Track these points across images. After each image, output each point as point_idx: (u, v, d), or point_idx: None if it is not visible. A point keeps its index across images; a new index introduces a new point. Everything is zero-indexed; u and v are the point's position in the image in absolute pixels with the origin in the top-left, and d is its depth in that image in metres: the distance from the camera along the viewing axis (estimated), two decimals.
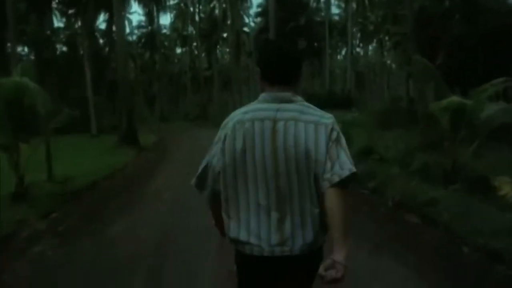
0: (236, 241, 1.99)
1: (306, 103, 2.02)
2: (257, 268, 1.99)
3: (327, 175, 1.86)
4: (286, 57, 2.03)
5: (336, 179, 1.85)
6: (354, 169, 1.89)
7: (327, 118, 1.97)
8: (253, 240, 1.92)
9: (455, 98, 7.00)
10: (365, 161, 9.78)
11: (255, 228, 1.93)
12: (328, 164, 1.87)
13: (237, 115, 2.02)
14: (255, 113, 1.97)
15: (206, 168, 2.07)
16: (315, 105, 2.05)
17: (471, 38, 16.00)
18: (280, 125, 1.91)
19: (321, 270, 1.77)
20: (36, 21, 32.69)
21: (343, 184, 1.87)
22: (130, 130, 18.45)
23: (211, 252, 4.76)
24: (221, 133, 2.02)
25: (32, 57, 39.32)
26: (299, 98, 2.01)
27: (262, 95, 2.02)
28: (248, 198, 1.94)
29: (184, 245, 5.25)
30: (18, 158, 7.95)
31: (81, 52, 39.40)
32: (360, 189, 8.31)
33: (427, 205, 6.26)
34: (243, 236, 1.95)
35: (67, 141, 22.05)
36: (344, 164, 1.88)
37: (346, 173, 1.86)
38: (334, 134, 1.92)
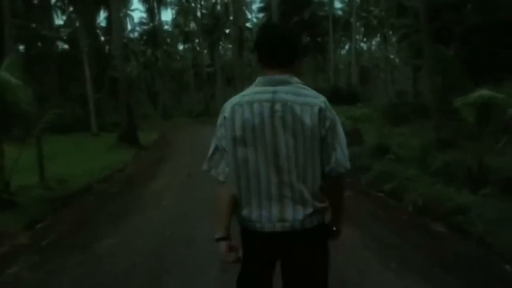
0: (239, 217, 2.08)
1: (301, 85, 2.04)
2: (259, 243, 2.05)
3: (325, 170, 2.00)
4: (281, 40, 2.04)
5: (333, 174, 2.00)
6: (348, 166, 2.02)
7: (320, 100, 2.00)
8: (255, 217, 2.00)
9: (485, 92, 6.28)
10: (379, 160, 9.09)
11: (257, 205, 2.00)
12: (325, 158, 1.98)
13: (235, 98, 2.06)
14: (252, 96, 2.01)
15: (215, 150, 2.10)
16: None
17: (485, 28, 15.22)
18: (278, 106, 1.96)
19: None
20: (36, 18, 31.91)
21: (339, 177, 2.04)
22: (130, 129, 17.78)
23: (215, 272, 4.09)
24: (221, 116, 2.07)
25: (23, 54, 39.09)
26: (295, 79, 2.03)
27: (258, 79, 2.06)
28: (250, 177, 1.99)
29: (184, 265, 4.55)
30: (2, 161, 7.28)
31: (86, 49, 39.02)
32: (375, 191, 7.62)
33: (455, 213, 5.56)
34: (246, 213, 2.03)
35: (66, 141, 21.49)
36: (340, 159, 1.99)
37: (341, 170, 2.01)
38: (328, 122, 1.97)
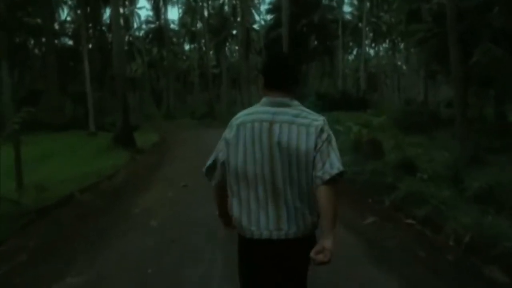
0: (239, 226, 2.27)
1: (301, 107, 2.27)
2: (256, 250, 2.24)
3: (319, 173, 2.14)
4: (285, 68, 2.33)
5: (326, 177, 2.12)
6: (342, 168, 2.16)
7: (318, 121, 2.22)
8: (253, 227, 2.20)
9: None
10: (403, 176, 7.88)
11: (255, 217, 2.20)
12: (320, 164, 2.15)
13: (241, 116, 2.31)
14: (255, 116, 2.25)
15: (215, 161, 2.34)
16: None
17: None
18: (276, 127, 2.19)
19: (312, 253, 2.07)
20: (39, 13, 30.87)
21: (333, 181, 2.13)
22: (126, 130, 16.58)
23: None
24: (227, 132, 2.30)
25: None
26: (295, 102, 2.28)
27: (263, 100, 2.31)
28: (249, 191, 2.21)
29: None
30: None
31: (90, 45, 38.12)
32: (404, 216, 6.40)
33: None
34: (244, 222, 2.23)
35: (62, 140, 20.38)
36: (334, 163, 2.15)
37: (335, 171, 2.13)
38: (325, 135, 2.19)
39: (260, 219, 2.19)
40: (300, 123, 2.18)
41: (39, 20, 31.28)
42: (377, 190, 7.68)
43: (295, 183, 2.16)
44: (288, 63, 2.36)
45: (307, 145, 2.14)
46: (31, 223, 6.39)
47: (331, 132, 2.23)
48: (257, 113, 2.26)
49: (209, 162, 2.36)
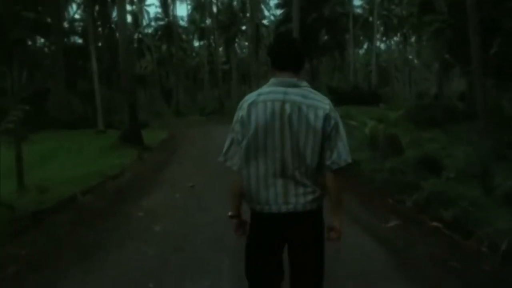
0: (249, 200, 2.39)
1: (309, 88, 2.38)
2: (266, 224, 2.36)
3: (328, 162, 2.31)
4: (293, 48, 2.43)
5: (334, 167, 2.31)
6: (349, 160, 2.33)
7: (325, 104, 2.33)
8: (263, 200, 2.32)
9: None
10: (424, 175, 7.34)
11: (265, 191, 2.32)
12: (328, 152, 2.30)
13: (251, 97, 2.38)
14: (266, 96, 2.33)
15: (231, 144, 2.41)
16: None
17: None
18: (287, 105, 2.28)
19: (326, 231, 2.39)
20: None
21: (340, 169, 2.32)
22: (133, 128, 16.14)
23: None
24: (238, 113, 2.38)
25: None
26: (304, 83, 2.38)
27: (272, 80, 2.40)
28: (259, 166, 2.31)
29: None
30: None
31: (99, 43, 37.87)
32: (429, 219, 5.86)
33: None
34: (254, 196, 2.34)
35: (69, 138, 20.04)
36: (341, 154, 2.30)
37: (342, 164, 2.31)
38: (333, 122, 2.30)
39: (270, 194, 2.31)
40: (309, 104, 2.29)
41: (49, 20, 31.10)
42: (398, 189, 7.16)
43: (302, 160, 2.29)
44: (296, 44, 2.47)
45: (315, 126, 2.27)
46: (27, 228, 5.95)
47: (338, 117, 2.35)
48: (267, 93, 2.35)
49: (225, 147, 2.43)
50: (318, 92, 2.40)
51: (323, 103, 2.32)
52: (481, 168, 7.04)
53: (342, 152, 2.30)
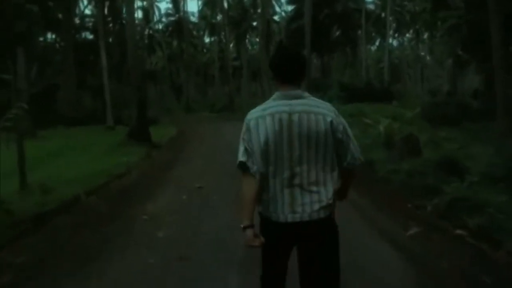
0: (261, 209, 2.44)
1: (312, 98, 2.46)
2: (275, 231, 2.40)
3: (344, 164, 2.45)
4: (294, 61, 2.46)
5: (350, 168, 2.47)
6: (362, 159, 2.51)
7: (330, 110, 2.42)
8: (272, 208, 2.38)
9: None
10: (446, 178, 6.92)
11: (274, 200, 2.37)
12: (343, 156, 2.43)
13: (257, 111, 2.43)
14: (272, 109, 2.38)
15: (246, 149, 2.40)
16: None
17: None
18: (295, 117, 2.35)
19: None
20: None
21: (355, 168, 2.51)
22: (141, 125, 15.84)
23: None
24: (245, 126, 2.41)
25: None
26: (306, 94, 2.46)
27: (276, 94, 2.45)
28: (269, 176, 2.36)
29: None
30: None
31: (110, 39, 37.73)
32: (452, 226, 5.46)
33: None
34: (264, 205, 2.41)
35: (78, 135, 19.87)
36: (355, 155, 2.45)
37: (357, 163, 2.47)
38: (341, 127, 2.40)
39: (278, 203, 2.36)
40: (317, 112, 2.37)
41: (60, 15, 30.96)
42: (417, 193, 6.76)
43: (312, 167, 2.35)
44: (300, 58, 2.50)
45: (326, 130, 2.34)
46: (27, 232, 5.67)
47: (343, 121, 2.46)
48: (273, 107, 2.40)
49: (241, 151, 2.42)
50: (322, 99, 2.55)
51: (328, 110, 2.40)
52: (506, 171, 6.61)
53: (355, 153, 2.44)
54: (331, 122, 2.36)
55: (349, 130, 2.45)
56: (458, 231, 5.31)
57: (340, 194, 2.57)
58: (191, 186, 8.27)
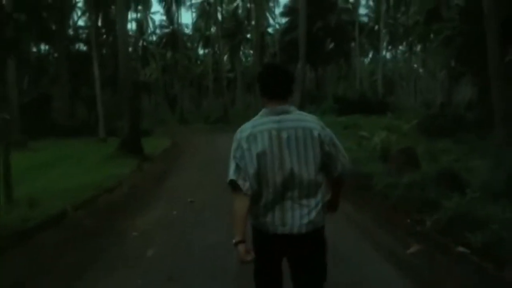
0: (253, 221, 2.50)
1: (299, 112, 2.52)
2: (266, 242, 2.46)
3: (335, 175, 2.54)
4: (281, 77, 2.52)
5: (340, 177, 2.57)
6: (352, 168, 2.68)
7: (317, 123, 2.49)
8: (263, 221, 2.43)
9: None
10: (445, 191, 6.70)
11: (266, 213, 2.42)
12: (333, 167, 2.50)
13: (247, 129, 2.47)
14: (262, 126, 2.44)
15: (237, 167, 2.40)
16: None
17: None
18: (284, 133, 2.41)
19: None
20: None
21: (346, 177, 2.61)
22: (133, 136, 15.56)
23: None
24: (236, 143, 2.45)
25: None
26: (292, 108, 2.51)
27: (264, 110, 2.51)
28: (262, 191, 2.40)
29: None
30: None
31: (104, 50, 37.55)
32: (454, 243, 5.23)
33: None
34: (256, 217, 2.47)
35: (69, 146, 19.58)
36: (345, 165, 2.53)
37: (347, 172, 2.55)
38: (328, 139, 2.47)
39: (268, 215, 2.41)
40: (303, 127, 2.43)
41: (53, 26, 30.78)
42: (416, 208, 6.54)
43: (304, 182, 2.40)
44: (287, 74, 2.55)
45: (313, 146, 2.41)
46: (6, 250, 5.38)
47: (330, 132, 2.52)
48: (262, 124, 2.45)
49: (232, 169, 2.42)
50: (316, 111, 2.79)
51: (315, 124, 2.47)
52: (508, 185, 6.41)
53: (345, 163, 2.52)
54: (319, 135, 2.42)
55: (336, 141, 2.51)
56: (461, 249, 5.08)
57: (331, 205, 2.67)
58: (183, 200, 8.02)
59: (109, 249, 5.43)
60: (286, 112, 2.45)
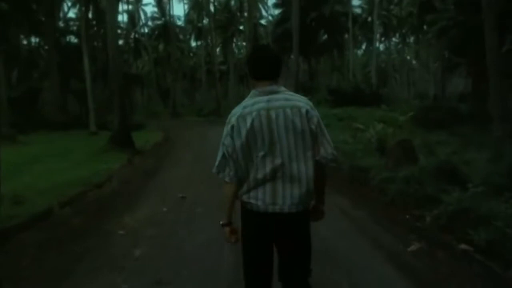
0: (243, 200, 2.53)
1: (288, 92, 2.55)
2: (257, 221, 2.50)
3: (317, 158, 2.52)
4: (270, 58, 2.58)
5: (322, 161, 2.55)
6: (335, 154, 2.58)
7: (305, 102, 2.53)
8: (253, 200, 2.48)
9: None
10: (444, 186, 6.48)
11: (256, 192, 2.47)
12: (316, 149, 2.51)
13: (238, 111, 2.50)
14: (251, 107, 2.48)
15: (223, 156, 2.51)
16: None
17: None
18: (272, 112, 2.45)
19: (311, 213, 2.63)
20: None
21: (327, 163, 2.58)
22: (123, 130, 15.21)
23: None
24: (228, 127, 2.50)
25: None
26: (282, 88, 2.55)
27: (253, 92, 2.55)
28: (251, 171, 2.46)
29: None
30: None
31: (96, 43, 37.03)
32: (455, 241, 5.01)
33: None
34: (247, 197, 2.50)
35: (60, 140, 19.24)
36: (327, 149, 2.54)
37: (329, 157, 2.55)
38: (315, 120, 2.50)
39: (259, 194, 2.46)
40: (292, 105, 2.47)
41: (42, 18, 30.25)
42: (415, 203, 6.31)
43: (293, 160, 2.45)
44: (274, 54, 2.61)
45: (302, 124, 2.45)
46: None
47: (318, 114, 2.54)
48: (252, 105, 2.48)
49: (217, 160, 2.52)
50: (296, 94, 2.62)
51: (304, 102, 2.50)
52: (510, 179, 6.19)
53: (327, 147, 2.52)
54: (307, 111, 2.45)
55: (322, 125, 2.53)
56: (463, 246, 4.84)
57: (315, 211, 2.66)
58: (173, 196, 7.75)
59: (94, 250, 5.14)
60: (275, 92, 2.49)
